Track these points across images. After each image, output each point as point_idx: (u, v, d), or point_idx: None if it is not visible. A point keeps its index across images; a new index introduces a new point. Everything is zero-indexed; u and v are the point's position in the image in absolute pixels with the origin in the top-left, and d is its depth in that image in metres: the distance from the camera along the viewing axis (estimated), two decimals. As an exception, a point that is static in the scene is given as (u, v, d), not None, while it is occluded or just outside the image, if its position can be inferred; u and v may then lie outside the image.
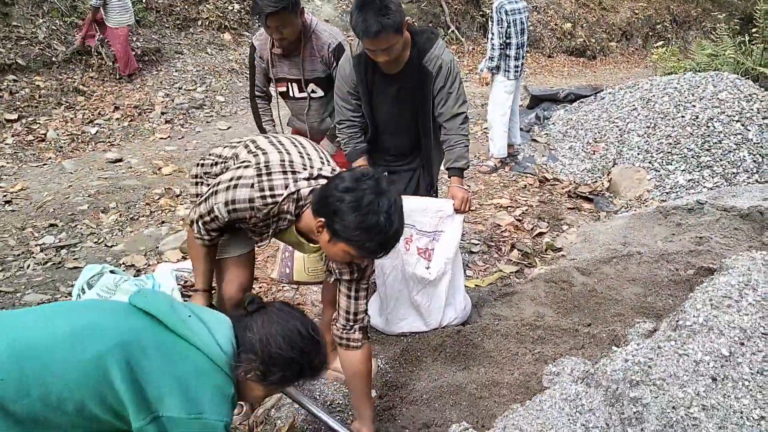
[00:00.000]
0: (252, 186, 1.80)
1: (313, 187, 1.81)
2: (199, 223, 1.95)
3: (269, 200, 1.80)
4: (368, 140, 2.88)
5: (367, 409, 2.10)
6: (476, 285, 3.41)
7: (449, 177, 2.82)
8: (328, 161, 2.00)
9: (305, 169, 1.86)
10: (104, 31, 7.41)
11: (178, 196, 4.77)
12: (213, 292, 2.17)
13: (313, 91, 3.04)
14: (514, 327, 2.78)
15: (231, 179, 1.84)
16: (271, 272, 3.27)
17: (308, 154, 1.95)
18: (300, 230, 1.92)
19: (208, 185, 2.04)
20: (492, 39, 5.22)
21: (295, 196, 1.81)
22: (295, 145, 1.97)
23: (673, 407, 1.68)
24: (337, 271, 1.97)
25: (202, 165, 2.13)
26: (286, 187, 1.81)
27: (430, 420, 2.27)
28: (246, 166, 1.85)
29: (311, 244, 2.00)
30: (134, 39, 8.16)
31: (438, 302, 2.78)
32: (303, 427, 2.30)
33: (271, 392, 1.61)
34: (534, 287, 3.20)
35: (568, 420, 1.81)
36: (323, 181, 1.81)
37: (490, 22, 5.30)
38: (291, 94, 3.08)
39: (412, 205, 2.81)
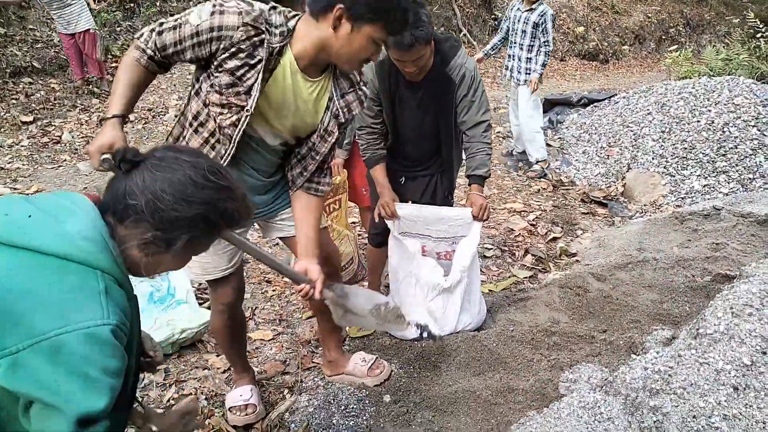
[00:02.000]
0: (238, 3, 1.65)
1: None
2: (151, 32, 1.68)
3: (258, 10, 1.65)
4: (388, 147, 2.87)
5: (314, 252, 1.98)
6: (490, 290, 3.40)
7: (469, 184, 2.81)
8: None
9: None
10: (85, 49, 7.06)
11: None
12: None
13: None
14: (529, 333, 2.76)
15: (214, 5, 1.64)
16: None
17: None
18: (299, 57, 1.74)
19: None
20: (548, 46, 5.26)
21: (279, 8, 1.69)
22: None
23: (694, 416, 1.67)
24: (324, 138, 1.91)
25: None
26: (268, 3, 1.70)
27: (444, 426, 2.26)
28: None
29: (308, 82, 1.80)
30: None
31: (453, 309, 2.77)
32: (317, 430, 2.29)
33: (192, 255, 1.27)
34: (548, 293, 3.18)
35: (587, 428, 1.80)
36: None
37: (524, 30, 5.26)
38: None
39: (429, 216, 2.82)
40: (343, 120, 1.92)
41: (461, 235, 2.79)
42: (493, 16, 12.23)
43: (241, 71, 1.67)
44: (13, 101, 6.69)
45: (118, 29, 8.41)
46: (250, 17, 1.63)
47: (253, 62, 1.67)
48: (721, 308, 2.01)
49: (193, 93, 1.82)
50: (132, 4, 8.73)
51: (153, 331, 2.66)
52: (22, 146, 6.03)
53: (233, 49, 1.65)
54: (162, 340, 2.65)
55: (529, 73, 5.37)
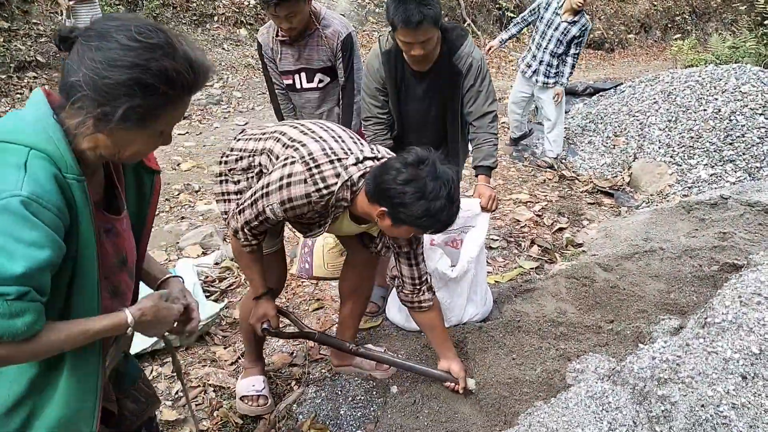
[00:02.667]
0: (305, 181, 1.80)
1: (362, 171, 1.83)
2: (245, 230, 1.95)
3: (325, 192, 1.81)
4: (394, 137, 2.86)
5: (450, 350, 2.32)
6: (496, 281, 3.40)
7: (476, 175, 2.80)
8: (359, 140, 2.01)
9: (347, 155, 1.86)
10: None
11: (197, 191, 4.80)
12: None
13: (320, 80, 3.00)
14: (535, 323, 2.76)
15: (281, 178, 1.83)
16: (291, 268, 3.28)
17: (340, 137, 1.96)
18: (353, 214, 1.96)
19: (234, 182, 2.05)
20: (576, 58, 5.23)
21: (348, 182, 1.82)
22: (325, 130, 1.97)
23: (702, 405, 1.66)
24: (395, 246, 2.11)
25: (226, 162, 2.12)
26: (338, 175, 1.81)
27: (451, 416, 2.26)
28: (292, 163, 1.84)
29: (361, 225, 2.06)
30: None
31: (460, 300, 2.77)
32: (325, 422, 2.30)
33: (159, 127, 1.19)
34: (555, 283, 3.17)
35: (595, 418, 1.80)
36: (369, 163, 1.85)
37: (560, 38, 5.14)
38: (298, 86, 3.03)
39: None
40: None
41: (469, 225, 2.78)
42: (497, 6, 12.14)
43: (309, 221, 1.99)
44: (18, 96, 6.69)
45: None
46: (319, 206, 1.86)
47: (320, 221, 1.97)
48: (729, 297, 2.01)
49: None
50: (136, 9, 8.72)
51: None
52: (27, 141, 6.04)
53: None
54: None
55: (554, 77, 5.29)
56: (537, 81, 5.38)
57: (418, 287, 2.19)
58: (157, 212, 4.54)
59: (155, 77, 1.09)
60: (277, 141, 1.97)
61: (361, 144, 1.99)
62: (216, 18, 9.20)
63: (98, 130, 1.12)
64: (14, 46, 7.13)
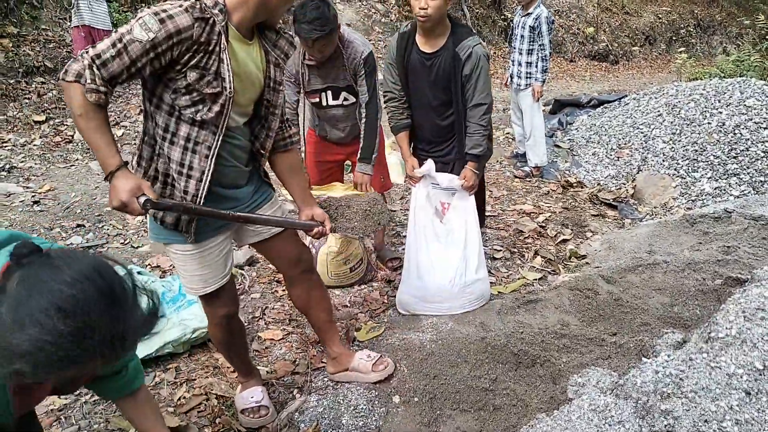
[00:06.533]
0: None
1: None
2: (95, 67, 1.57)
3: None
4: (410, 117, 3.15)
5: (311, 197, 2.23)
6: (499, 291, 3.40)
7: (466, 162, 3.05)
8: None
9: None
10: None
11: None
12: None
13: (345, 99, 3.14)
14: (538, 335, 2.76)
15: (149, 8, 1.65)
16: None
17: None
18: (237, 27, 1.77)
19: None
20: (543, 50, 5.28)
21: None
22: None
23: (705, 421, 1.66)
24: (270, 107, 1.99)
25: None
26: None
27: (453, 427, 2.26)
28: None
29: (250, 46, 1.84)
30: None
31: (453, 258, 3.03)
32: (327, 431, 2.30)
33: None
34: (558, 295, 3.17)
35: (597, 431, 1.79)
36: None
37: (522, 34, 5.30)
38: (325, 103, 3.15)
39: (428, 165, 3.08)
40: (283, 65, 1.98)
41: (452, 189, 3.07)
42: (502, 17, 12.20)
43: (204, 60, 1.68)
44: (26, 101, 6.74)
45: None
46: (197, 10, 1.64)
47: (211, 48, 1.68)
48: (733, 312, 2.01)
49: (152, 109, 1.79)
50: (143, 4, 8.78)
51: (165, 330, 2.68)
52: (34, 145, 6.08)
53: (195, 46, 1.66)
54: (174, 340, 2.67)
55: (530, 78, 5.38)
56: (513, 84, 5.56)
57: (286, 120, 2.13)
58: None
59: (50, 360, 1.00)
60: None
61: None
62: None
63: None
64: (23, 51, 7.19)
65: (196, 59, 1.67)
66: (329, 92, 3.11)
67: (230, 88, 1.74)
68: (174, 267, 3.63)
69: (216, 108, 1.75)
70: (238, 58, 1.78)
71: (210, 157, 1.82)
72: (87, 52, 1.59)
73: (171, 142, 1.79)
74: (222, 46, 1.70)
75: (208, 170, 1.83)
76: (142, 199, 1.62)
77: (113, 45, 1.58)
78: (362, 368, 2.51)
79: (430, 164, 3.05)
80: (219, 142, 1.82)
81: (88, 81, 1.57)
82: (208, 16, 1.66)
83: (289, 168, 2.17)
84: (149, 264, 3.73)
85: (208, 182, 1.84)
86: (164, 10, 1.61)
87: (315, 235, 2.15)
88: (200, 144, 1.79)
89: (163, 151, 1.81)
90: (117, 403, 1.68)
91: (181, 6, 1.63)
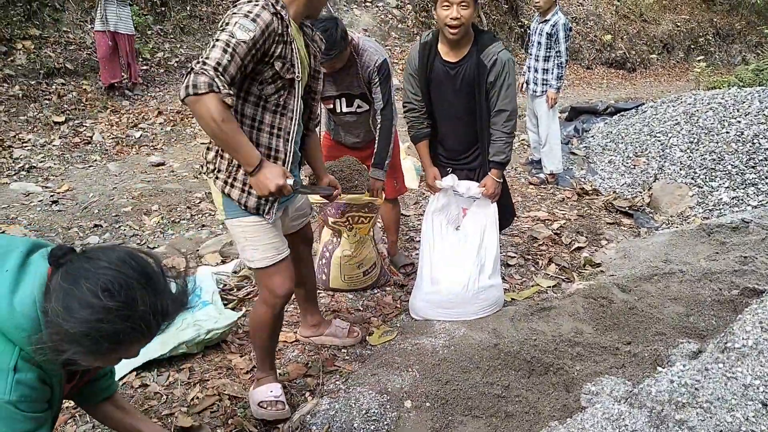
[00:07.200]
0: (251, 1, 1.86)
1: None
2: (219, 71, 1.74)
3: None
4: (431, 127, 3.11)
5: (323, 163, 2.53)
6: (513, 298, 3.39)
7: (489, 169, 3.02)
8: None
9: None
10: (127, 53, 7.27)
11: (217, 200, 4.85)
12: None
13: (359, 106, 3.16)
14: (551, 343, 2.74)
15: (233, 13, 1.83)
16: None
17: None
18: (296, 18, 2.00)
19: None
20: (560, 57, 5.28)
21: None
22: None
23: (721, 431, 1.65)
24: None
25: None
26: None
27: (465, 434, 2.25)
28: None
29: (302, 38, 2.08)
30: (178, 46, 8.37)
31: (467, 263, 3.00)
32: (338, 434, 2.30)
33: (102, 362, 1.27)
34: (572, 302, 3.16)
35: (610, 440, 1.78)
36: None
37: (539, 41, 5.31)
38: (338, 110, 3.18)
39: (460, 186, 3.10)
40: (319, 57, 2.23)
41: (473, 196, 3.08)
42: (519, 24, 12.19)
43: (283, 50, 1.91)
44: (46, 101, 6.85)
45: (149, 32, 8.56)
46: (271, 6, 1.85)
47: (285, 39, 1.91)
48: (750, 322, 1.98)
49: (239, 103, 1.97)
50: (163, 8, 8.89)
51: (179, 331, 2.70)
52: (54, 146, 6.16)
53: (277, 38, 1.87)
54: (188, 340, 2.69)
55: (546, 84, 5.38)
56: (529, 91, 5.56)
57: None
58: (178, 220, 4.58)
59: (102, 338, 1.16)
60: None
61: None
62: (241, 30, 9.33)
63: (54, 358, 1.20)
64: (44, 53, 7.31)
65: (279, 50, 1.89)
66: (343, 99, 3.14)
67: (299, 73, 1.98)
68: (189, 268, 3.66)
69: (294, 92, 2.00)
70: (299, 45, 2.01)
71: (290, 141, 2.05)
72: (202, 65, 1.72)
73: (258, 129, 2.00)
74: (291, 36, 1.92)
75: (290, 152, 2.06)
76: (290, 181, 1.89)
77: (224, 51, 1.75)
78: (339, 333, 2.85)
79: (453, 179, 3.05)
80: (296, 126, 2.05)
81: (222, 88, 1.72)
82: (280, 9, 1.88)
83: (313, 145, 2.43)
84: (164, 265, 3.75)
85: (289, 163, 2.07)
86: (250, 11, 1.81)
87: (332, 199, 2.50)
88: (282, 129, 2.02)
89: (252, 138, 1.97)
90: (98, 409, 1.72)
91: (257, 4, 1.83)
